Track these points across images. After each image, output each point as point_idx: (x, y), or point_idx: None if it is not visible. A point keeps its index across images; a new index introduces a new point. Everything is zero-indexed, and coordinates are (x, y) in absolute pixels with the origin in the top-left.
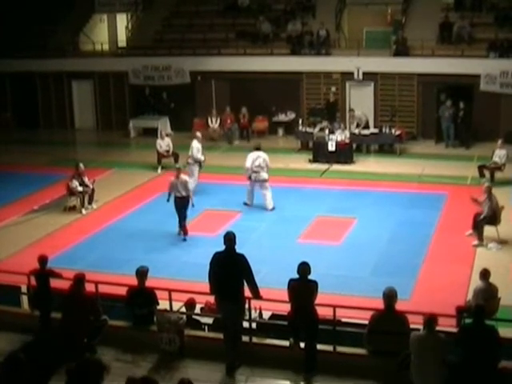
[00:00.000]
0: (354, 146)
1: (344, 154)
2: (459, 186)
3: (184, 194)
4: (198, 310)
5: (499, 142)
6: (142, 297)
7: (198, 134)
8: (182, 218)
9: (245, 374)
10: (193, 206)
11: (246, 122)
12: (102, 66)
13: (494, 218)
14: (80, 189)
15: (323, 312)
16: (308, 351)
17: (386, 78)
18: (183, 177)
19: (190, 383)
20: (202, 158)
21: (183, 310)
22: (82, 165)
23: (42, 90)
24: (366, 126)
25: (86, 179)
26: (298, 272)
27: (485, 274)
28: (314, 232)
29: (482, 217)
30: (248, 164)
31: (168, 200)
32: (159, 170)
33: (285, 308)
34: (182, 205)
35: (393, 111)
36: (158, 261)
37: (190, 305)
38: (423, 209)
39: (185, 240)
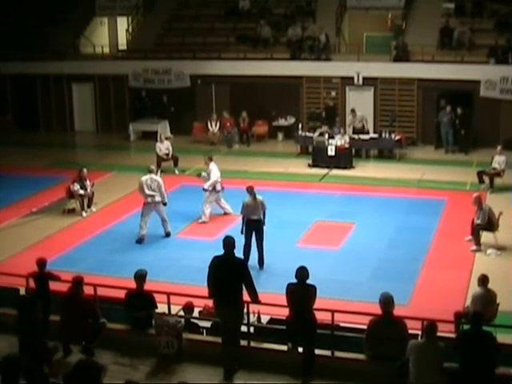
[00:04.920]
0: (354, 150)
1: (343, 158)
2: (458, 192)
3: (261, 216)
4: (196, 313)
5: (498, 147)
6: (140, 300)
7: (153, 167)
8: (260, 246)
9: (243, 378)
10: (264, 224)
11: (246, 126)
12: (102, 68)
13: (490, 224)
14: (81, 192)
15: (321, 316)
16: (306, 356)
17: (386, 83)
18: (259, 197)
19: None
20: (149, 199)
21: (181, 313)
22: (85, 170)
23: (43, 93)
24: (363, 131)
25: (87, 183)
26: (296, 276)
27: (483, 280)
28: (313, 237)
29: (476, 223)
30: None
31: (242, 231)
32: (159, 174)
33: (283, 312)
34: (255, 228)
35: (392, 116)
36: (157, 264)
37: (188, 308)
38: (422, 214)
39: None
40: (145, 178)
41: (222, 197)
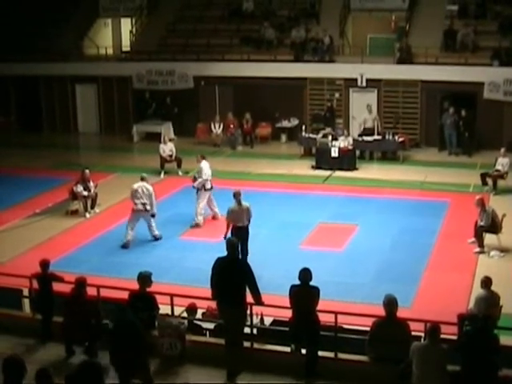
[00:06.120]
0: (358, 152)
1: (347, 160)
2: (462, 194)
3: (246, 223)
4: (199, 314)
5: (502, 150)
6: (141, 301)
7: (145, 175)
8: (245, 253)
9: (246, 379)
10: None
11: (250, 127)
12: (105, 70)
13: (494, 226)
14: (85, 193)
15: (325, 318)
16: (309, 357)
17: (390, 85)
18: (246, 204)
19: None
20: (140, 206)
21: (184, 314)
22: (87, 171)
23: (46, 94)
24: (373, 132)
25: (90, 184)
26: (299, 278)
27: (486, 282)
28: (317, 238)
29: (480, 225)
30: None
31: (225, 236)
32: (162, 175)
33: (286, 314)
34: (240, 236)
35: (396, 118)
36: (160, 265)
37: (191, 310)
38: (425, 216)
39: None
40: (137, 185)
41: (213, 196)
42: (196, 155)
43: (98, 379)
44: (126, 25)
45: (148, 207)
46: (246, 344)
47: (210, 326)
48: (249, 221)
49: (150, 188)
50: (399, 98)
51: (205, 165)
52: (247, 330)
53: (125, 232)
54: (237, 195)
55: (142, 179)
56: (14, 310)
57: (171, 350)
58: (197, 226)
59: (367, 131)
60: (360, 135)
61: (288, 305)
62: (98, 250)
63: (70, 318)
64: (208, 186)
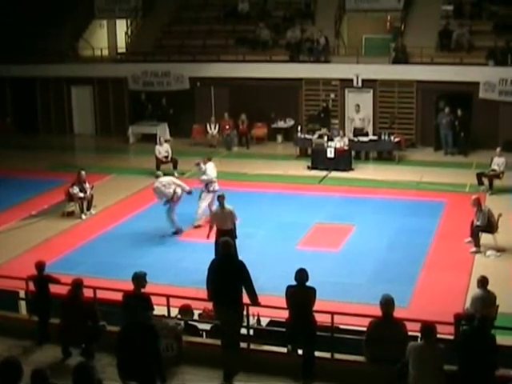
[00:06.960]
0: (353, 153)
1: (343, 160)
2: (458, 194)
3: (231, 226)
4: (195, 316)
5: (498, 149)
6: (136, 302)
7: (159, 172)
8: None
9: (242, 380)
10: (235, 237)
11: (245, 128)
12: (101, 71)
13: (490, 225)
14: (81, 195)
15: (321, 319)
16: (306, 358)
17: (385, 85)
18: (228, 207)
19: None
20: (174, 197)
21: (179, 316)
22: (83, 172)
23: (42, 96)
24: (362, 133)
25: (86, 185)
26: (296, 278)
27: (483, 282)
28: (313, 239)
29: (476, 225)
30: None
31: (208, 236)
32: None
33: (283, 315)
34: None
35: (392, 118)
36: (156, 266)
37: (184, 310)
38: (422, 216)
39: None
40: (157, 183)
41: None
42: (203, 157)
43: (89, 381)
44: (122, 26)
45: (179, 192)
46: (243, 345)
47: (207, 326)
48: (234, 224)
49: (168, 178)
50: (395, 98)
51: (210, 166)
52: (244, 330)
53: (170, 222)
54: (220, 198)
55: (157, 177)
56: (10, 312)
57: (168, 352)
58: (198, 226)
59: (357, 131)
60: (354, 135)
61: (284, 305)
62: (95, 251)
63: (67, 319)
64: (212, 188)
